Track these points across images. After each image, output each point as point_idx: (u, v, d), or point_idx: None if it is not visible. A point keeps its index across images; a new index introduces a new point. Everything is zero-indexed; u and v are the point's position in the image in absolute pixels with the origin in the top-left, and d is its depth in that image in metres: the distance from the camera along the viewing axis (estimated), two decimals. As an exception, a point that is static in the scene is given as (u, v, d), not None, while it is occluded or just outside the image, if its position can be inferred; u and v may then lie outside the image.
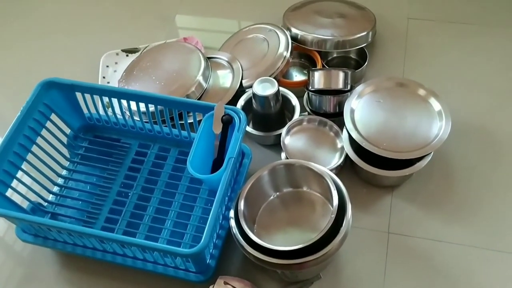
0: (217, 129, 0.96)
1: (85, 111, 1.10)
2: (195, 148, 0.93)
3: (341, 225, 0.85)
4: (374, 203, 1.03)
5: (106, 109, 1.10)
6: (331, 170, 0.99)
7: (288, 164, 0.94)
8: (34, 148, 1.00)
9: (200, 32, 1.38)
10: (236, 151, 0.91)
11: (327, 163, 1.03)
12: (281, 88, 1.10)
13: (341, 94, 1.08)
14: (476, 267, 0.95)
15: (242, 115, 0.95)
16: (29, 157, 1.00)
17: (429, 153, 0.99)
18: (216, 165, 0.97)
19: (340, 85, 1.08)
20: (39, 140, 1.01)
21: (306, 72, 1.20)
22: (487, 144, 1.09)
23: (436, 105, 1.02)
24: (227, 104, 1.11)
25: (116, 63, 1.29)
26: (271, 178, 0.95)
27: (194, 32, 1.37)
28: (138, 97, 1.02)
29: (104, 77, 1.26)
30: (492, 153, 1.08)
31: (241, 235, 0.88)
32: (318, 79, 1.08)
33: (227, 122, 0.96)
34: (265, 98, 1.05)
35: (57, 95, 1.04)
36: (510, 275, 0.93)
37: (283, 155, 1.08)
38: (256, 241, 0.85)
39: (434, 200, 1.03)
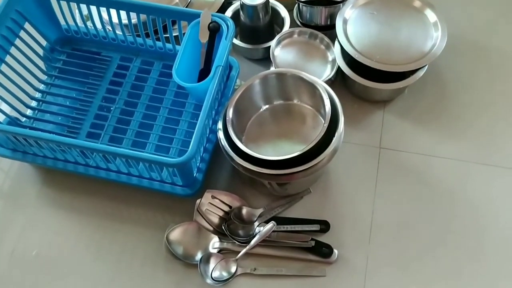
0: (204, 37, 0.91)
1: (62, 22, 1.03)
2: (181, 57, 0.88)
3: (333, 137, 0.83)
4: (365, 118, 1.01)
5: (86, 21, 1.03)
6: (322, 83, 0.96)
7: (280, 73, 0.90)
8: (9, 59, 0.94)
9: None
10: (224, 60, 0.86)
11: (318, 76, 0.98)
12: (270, 0, 1.04)
13: (333, 5, 1.02)
14: (467, 181, 0.94)
15: (230, 22, 0.90)
16: (4, 68, 0.94)
17: (423, 66, 0.95)
18: (203, 75, 0.92)
19: (333, -4, 1.02)
20: (13, 51, 0.95)
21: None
22: (482, 59, 1.06)
23: (431, 16, 0.98)
24: (213, 16, 1.06)
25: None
26: (262, 88, 0.91)
27: None
28: (118, 4, 0.95)
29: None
30: (487, 68, 1.05)
31: (229, 146, 0.85)
32: (310, -11, 1.03)
33: (214, 30, 0.91)
34: (254, 8, 1.00)
35: (30, 2, 0.96)
36: (500, 189, 0.93)
37: (272, 68, 1.03)
38: (245, 151, 0.82)
39: (426, 116, 1.00)
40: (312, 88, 0.87)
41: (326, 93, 0.85)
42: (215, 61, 0.86)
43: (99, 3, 0.96)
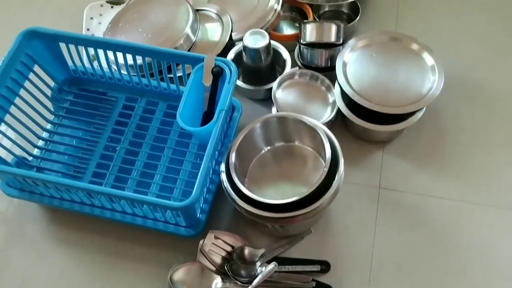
0: (207, 81, 0.94)
1: (70, 63, 1.06)
2: (185, 101, 0.91)
3: (333, 180, 0.85)
4: (365, 158, 1.03)
5: (92, 61, 1.06)
6: (322, 124, 0.98)
7: (281, 117, 0.92)
8: (17, 101, 0.97)
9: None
10: (227, 104, 0.89)
11: (318, 118, 1.02)
12: (272, 42, 1.07)
13: (333, 48, 1.05)
14: (464, 221, 0.95)
15: (233, 66, 0.93)
16: (13, 109, 0.96)
17: (421, 108, 0.98)
18: (206, 118, 0.95)
19: (332, 38, 1.05)
20: (22, 93, 0.98)
21: (297, 25, 1.18)
22: (479, 99, 1.08)
23: (429, 59, 1.00)
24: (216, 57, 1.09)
25: (100, 14, 1.24)
26: (263, 131, 0.93)
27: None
28: (124, 48, 0.98)
29: (88, 29, 1.22)
30: (484, 109, 1.07)
31: (232, 189, 0.87)
32: (310, 32, 1.06)
33: (218, 74, 0.93)
34: (256, 50, 1.02)
35: (39, 46, 0.99)
36: (496, 229, 0.94)
37: (274, 109, 1.06)
38: (247, 194, 0.84)
39: (424, 156, 1.02)
40: (312, 131, 0.89)
41: (327, 137, 0.87)
42: (218, 105, 0.89)
43: (106, 46, 0.99)
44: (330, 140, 0.88)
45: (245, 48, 1.03)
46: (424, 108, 0.98)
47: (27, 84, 0.99)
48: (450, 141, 1.04)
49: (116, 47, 0.99)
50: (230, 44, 1.12)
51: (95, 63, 1.06)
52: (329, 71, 1.06)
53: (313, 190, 0.82)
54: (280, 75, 1.08)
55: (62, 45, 1.02)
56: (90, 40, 1.00)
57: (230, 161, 0.87)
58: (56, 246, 0.98)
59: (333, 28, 1.05)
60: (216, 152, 0.94)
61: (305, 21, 1.10)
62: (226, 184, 0.88)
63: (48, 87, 1.05)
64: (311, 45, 1.06)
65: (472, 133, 1.04)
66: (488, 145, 1.03)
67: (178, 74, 1.05)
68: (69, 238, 0.98)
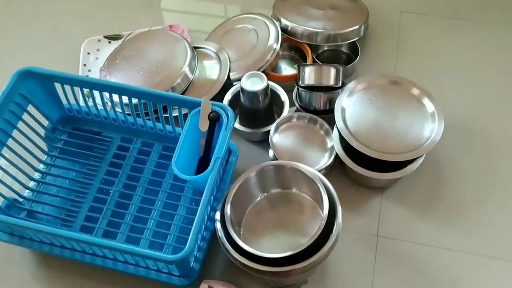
0: (204, 126, 0.92)
1: (64, 102, 1.05)
2: (181, 147, 0.89)
3: (331, 231, 0.83)
4: (363, 205, 1.01)
5: (87, 98, 1.05)
6: (320, 170, 0.97)
7: (278, 166, 0.91)
8: (10, 142, 0.95)
9: (187, 15, 1.33)
10: (223, 151, 0.87)
11: (316, 163, 1.00)
12: (270, 83, 1.06)
13: (332, 91, 1.04)
14: (464, 273, 0.93)
15: (230, 112, 0.91)
16: (4, 151, 0.95)
17: (420, 156, 0.96)
18: (202, 163, 0.94)
19: (331, 82, 1.04)
20: (15, 133, 0.96)
21: (296, 66, 1.17)
22: (479, 146, 1.07)
23: (429, 106, 0.99)
24: (213, 97, 1.08)
25: (97, 50, 1.23)
26: (259, 179, 0.91)
27: (180, 15, 1.32)
28: (121, 90, 0.97)
29: (85, 65, 1.20)
30: (483, 156, 1.06)
31: (227, 240, 0.85)
32: (309, 75, 1.05)
33: (214, 120, 0.92)
34: (254, 93, 1.01)
35: (34, 85, 0.98)
36: (496, 281, 0.92)
37: (271, 152, 1.04)
38: (243, 247, 0.82)
39: (423, 203, 1.01)
40: (310, 181, 0.88)
41: (325, 188, 0.85)
42: (215, 153, 0.87)
43: (102, 88, 0.98)
44: (328, 191, 0.86)
45: (243, 90, 1.02)
46: (424, 155, 0.97)
47: (20, 124, 0.97)
48: (449, 188, 1.02)
49: (112, 89, 0.97)
50: (228, 84, 1.11)
51: (90, 102, 1.04)
52: (327, 114, 1.05)
53: (311, 244, 0.80)
54: (278, 116, 1.07)
55: (58, 85, 1.00)
56: (85, 81, 0.99)
57: (225, 213, 0.86)
58: (45, 291, 0.95)
59: (332, 71, 1.04)
60: (212, 198, 0.92)
61: (303, 64, 1.09)
62: (221, 233, 0.86)
63: (41, 126, 1.03)
64: (309, 88, 1.05)
65: (471, 181, 1.03)
66: (487, 193, 1.01)
67: (174, 114, 1.03)
68: (59, 283, 0.96)
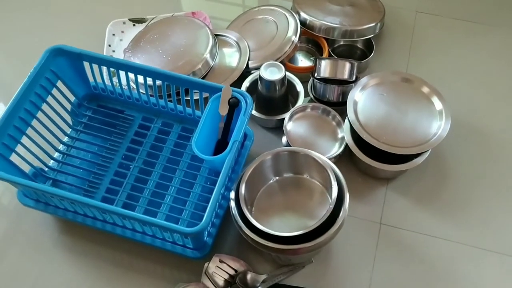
0: (223, 111, 0.98)
1: (91, 79, 1.10)
2: (201, 129, 0.94)
3: (338, 216, 0.88)
4: (368, 193, 1.07)
5: (112, 77, 1.10)
6: (330, 158, 1.02)
7: (292, 151, 0.96)
8: (39, 114, 1.01)
9: (209, 2, 1.38)
10: (241, 135, 0.93)
11: (326, 151, 1.05)
12: (287, 73, 1.11)
13: (345, 85, 1.09)
14: (461, 263, 0.98)
15: (249, 99, 0.96)
16: (34, 122, 1.00)
17: (426, 150, 1.01)
18: (220, 146, 0.99)
19: (346, 76, 1.09)
20: (44, 107, 1.02)
21: (312, 59, 1.22)
22: (483, 144, 1.12)
23: (438, 104, 1.04)
24: (232, 84, 1.13)
25: (122, 32, 1.29)
26: (273, 163, 0.97)
27: (203, 2, 1.37)
28: (146, 72, 1.02)
29: (109, 45, 1.26)
30: (487, 154, 1.11)
31: (240, 217, 0.90)
32: (324, 68, 1.10)
33: (234, 105, 0.97)
34: (272, 82, 1.06)
35: (64, 63, 1.04)
36: (493, 274, 0.98)
37: (284, 139, 1.10)
38: (255, 225, 0.87)
39: (426, 195, 1.06)
40: (322, 168, 0.93)
41: (335, 175, 0.91)
42: (233, 136, 0.93)
43: (128, 69, 1.03)
44: (338, 179, 0.91)
45: (261, 78, 1.07)
46: (430, 150, 1.02)
47: (48, 98, 1.03)
48: (452, 183, 1.07)
49: (138, 70, 1.03)
50: (246, 72, 1.16)
51: (115, 80, 1.09)
52: (340, 106, 1.10)
53: (318, 226, 0.86)
54: (292, 105, 1.12)
55: (86, 63, 1.05)
56: (112, 61, 1.04)
57: (240, 192, 0.91)
58: (66, 256, 1.01)
59: (347, 65, 1.09)
60: (227, 178, 0.98)
61: (320, 57, 1.13)
62: (234, 211, 0.91)
63: (68, 102, 1.09)
64: (324, 80, 1.10)
65: (474, 178, 1.08)
66: (488, 189, 1.06)
67: (195, 98, 1.08)
68: (79, 249, 1.02)
